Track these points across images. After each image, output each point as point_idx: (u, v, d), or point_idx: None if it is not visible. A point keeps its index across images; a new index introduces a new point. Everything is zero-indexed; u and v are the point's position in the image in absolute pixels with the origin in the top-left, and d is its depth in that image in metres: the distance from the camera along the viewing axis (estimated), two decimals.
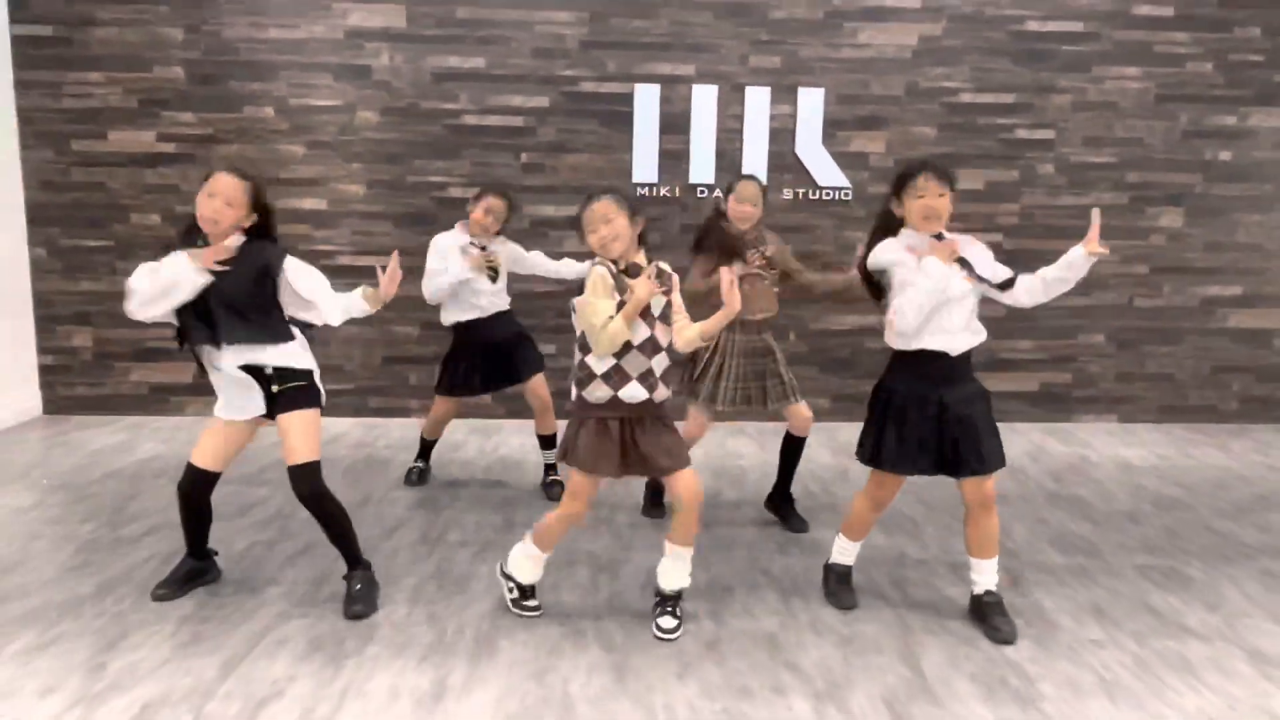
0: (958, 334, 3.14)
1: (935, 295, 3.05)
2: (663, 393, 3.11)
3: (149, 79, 5.68)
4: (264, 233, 3.25)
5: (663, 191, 5.93)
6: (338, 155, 5.81)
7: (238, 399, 3.28)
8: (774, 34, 5.84)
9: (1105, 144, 6.07)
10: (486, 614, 3.32)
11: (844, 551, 3.50)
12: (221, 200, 3.12)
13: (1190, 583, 3.74)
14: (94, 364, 5.94)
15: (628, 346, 3.04)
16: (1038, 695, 2.85)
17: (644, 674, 2.93)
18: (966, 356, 3.19)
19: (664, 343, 3.11)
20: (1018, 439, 5.84)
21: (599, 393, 3.05)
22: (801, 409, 4.12)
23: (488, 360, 4.46)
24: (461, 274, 4.31)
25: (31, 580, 3.53)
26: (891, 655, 3.09)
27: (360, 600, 3.30)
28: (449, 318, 4.48)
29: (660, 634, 3.15)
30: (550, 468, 4.66)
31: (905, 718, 2.71)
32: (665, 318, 3.11)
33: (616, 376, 3.04)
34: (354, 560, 3.38)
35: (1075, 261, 3.05)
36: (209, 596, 3.41)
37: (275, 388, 3.27)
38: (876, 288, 3.29)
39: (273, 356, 3.24)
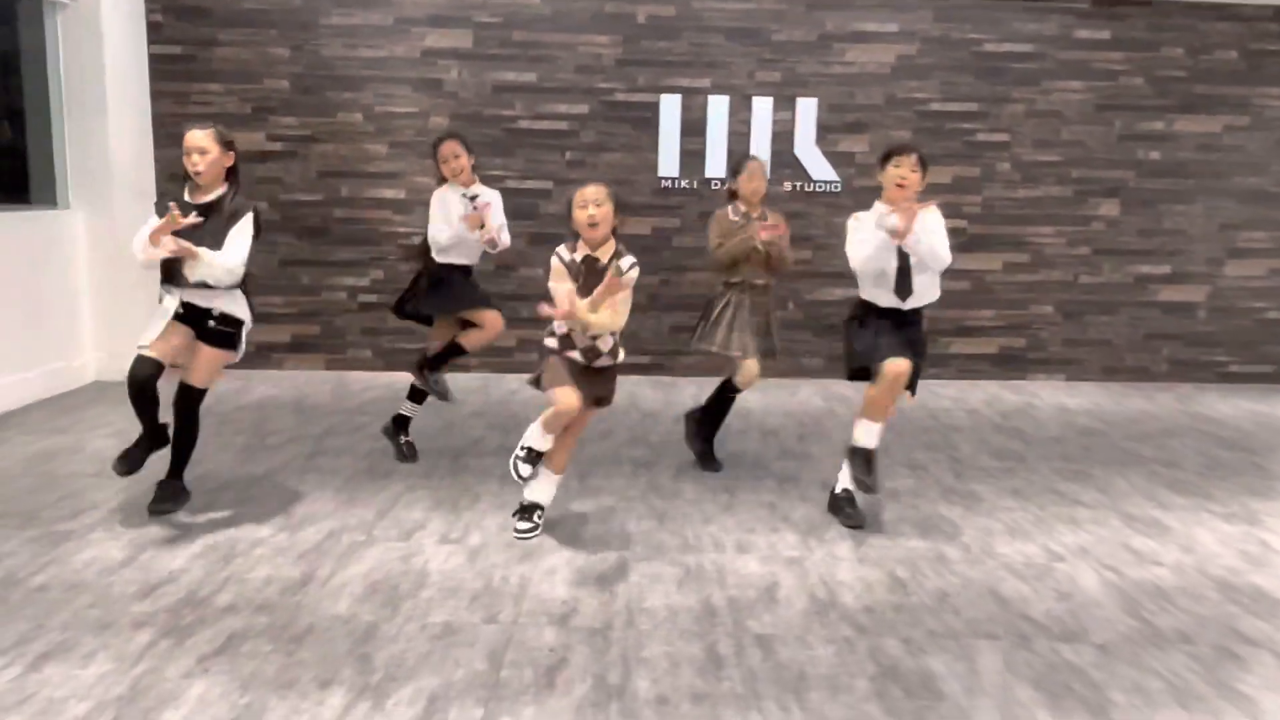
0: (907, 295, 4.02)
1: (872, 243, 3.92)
2: (604, 362, 3.71)
3: (260, 89, 6.84)
4: (233, 174, 3.87)
5: (683, 184, 7.07)
6: (414, 153, 6.97)
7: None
8: (776, 53, 6.99)
9: (1053, 145, 7.18)
10: (559, 488, 4.48)
11: (868, 433, 4.03)
12: (196, 154, 3.70)
13: (1091, 477, 4.89)
14: None
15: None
16: (960, 533, 4.01)
17: (678, 520, 4.09)
18: (915, 312, 4.08)
19: None
20: (977, 391, 6.99)
21: (552, 344, 3.71)
22: (752, 365, 4.62)
23: (443, 290, 4.76)
24: (462, 232, 4.64)
25: (217, 468, 4.70)
26: None
27: (169, 500, 3.98)
28: (445, 258, 4.75)
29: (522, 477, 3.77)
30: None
31: (864, 544, 3.87)
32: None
33: (565, 342, 3.67)
34: (178, 472, 4.03)
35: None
36: (351, 477, 4.57)
37: (211, 323, 3.88)
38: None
39: (223, 303, 3.87)
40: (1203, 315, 7.44)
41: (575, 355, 3.68)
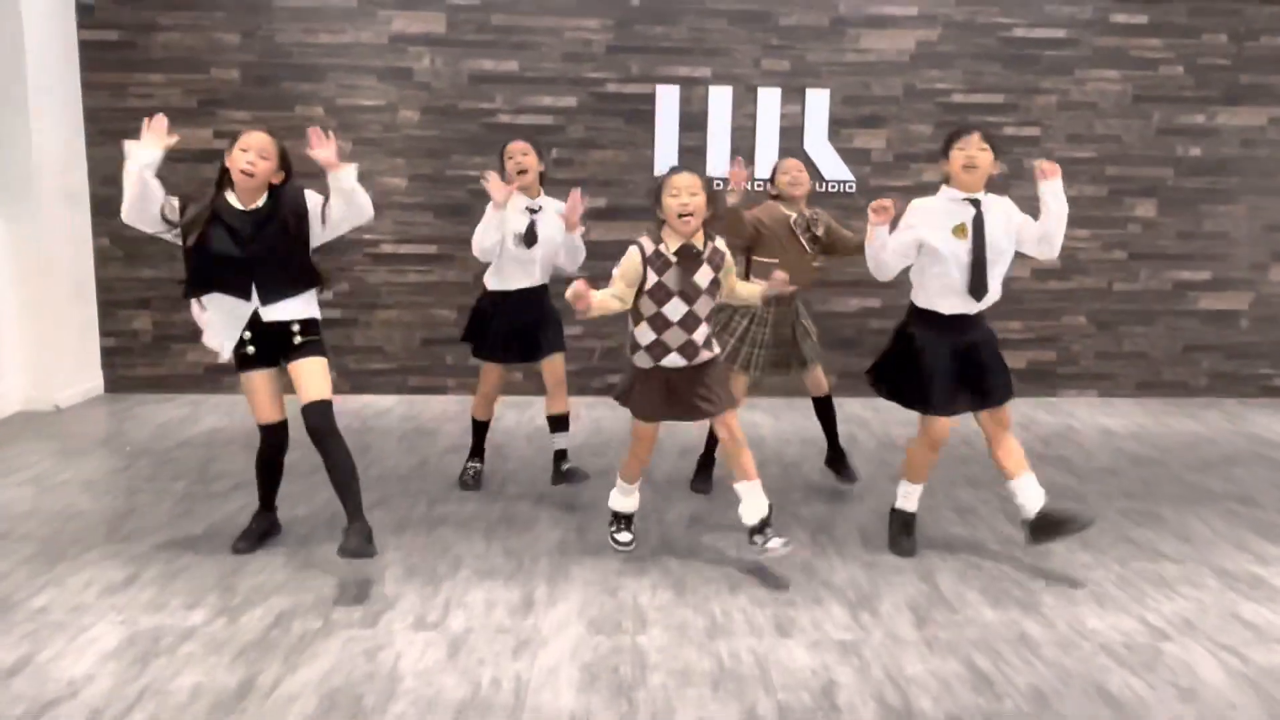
0: (966, 295, 3.54)
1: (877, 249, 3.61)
2: (704, 356, 3.49)
3: (207, 80, 6.08)
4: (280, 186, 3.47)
5: None
6: (382, 151, 6.24)
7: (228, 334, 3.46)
8: (784, 39, 6.32)
9: (1086, 140, 6.57)
10: (555, 547, 3.79)
11: (908, 496, 3.82)
12: (255, 153, 3.34)
13: (1164, 521, 4.26)
14: (153, 345, 6.34)
15: (666, 322, 3.39)
16: (1039, 603, 3.36)
17: (700, 590, 3.41)
18: (980, 318, 3.63)
19: (705, 314, 3.44)
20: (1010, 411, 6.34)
21: (643, 361, 3.50)
22: (816, 373, 4.48)
23: (510, 334, 4.27)
24: (490, 217, 4.04)
25: (146, 524, 3.97)
26: (910, 575, 3.58)
27: (355, 540, 3.25)
28: (489, 281, 4.31)
29: (774, 552, 3.41)
30: (562, 454, 4.45)
31: (928, 620, 3.20)
32: (712, 292, 3.44)
33: (658, 349, 3.43)
34: (358, 511, 3.35)
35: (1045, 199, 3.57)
36: (307, 536, 3.86)
37: (298, 340, 3.47)
38: None
39: (300, 309, 3.48)
40: (1245, 325, 6.84)
41: (672, 361, 3.45)
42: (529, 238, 4.16)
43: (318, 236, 3.50)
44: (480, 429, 4.58)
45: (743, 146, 6.38)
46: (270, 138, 3.42)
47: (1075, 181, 6.58)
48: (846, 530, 4.04)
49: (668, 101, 6.31)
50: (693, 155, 6.35)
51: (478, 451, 4.61)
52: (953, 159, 3.53)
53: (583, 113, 6.30)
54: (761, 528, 3.48)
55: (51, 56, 5.75)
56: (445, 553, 3.71)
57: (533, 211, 4.19)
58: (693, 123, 6.34)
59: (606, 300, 3.37)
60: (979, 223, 3.51)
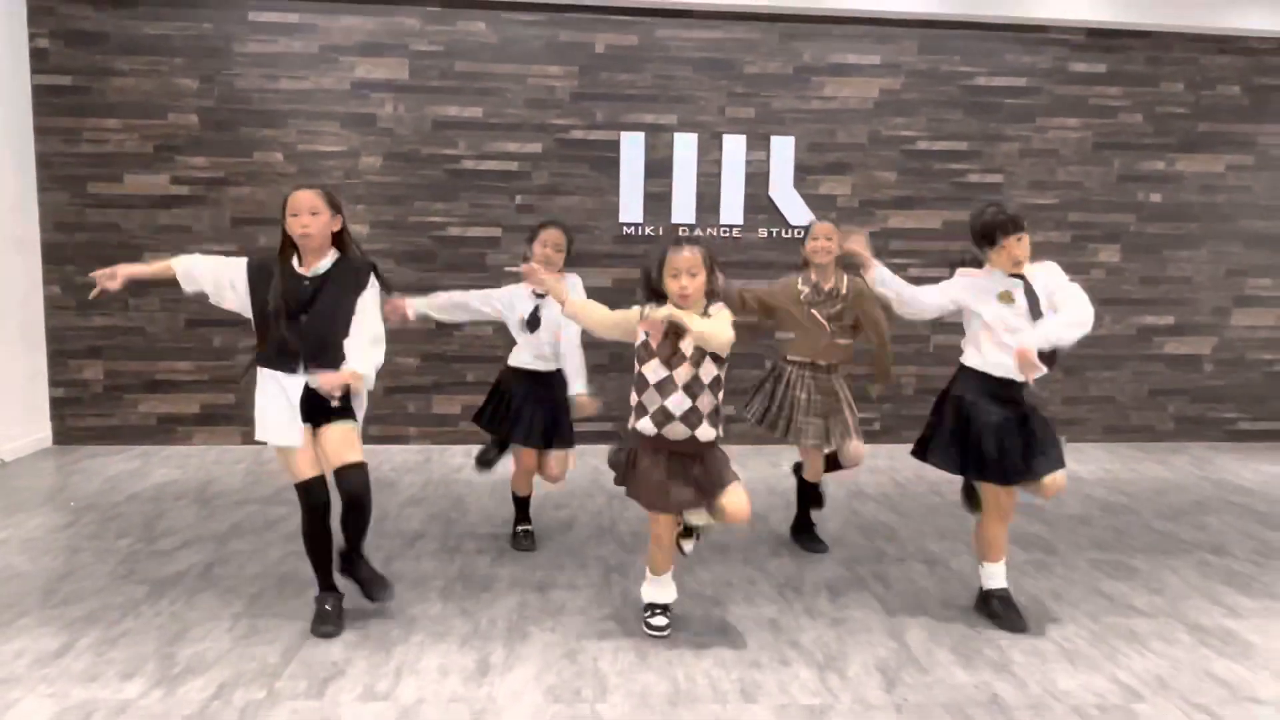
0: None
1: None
2: (678, 430, 3.22)
3: (164, 125, 5.98)
4: (343, 238, 3.45)
5: (647, 230, 6.35)
6: (343, 197, 6.11)
7: (287, 419, 3.34)
8: (749, 87, 6.34)
9: (1049, 187, 6.62)
10: (514, 608, 3.66)
11: (993, 575, 3.64)
12: (306, 213, 3.30)
13: (1136, 572, 4.20)
14: (104, 396, 6.16)
15: (644, 383, 3.26)
16: (1009, 661, 3.27)
17: (663, 652, 3.29)
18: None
19: (683, 381, 3.21)
20: None
21: (631, 424, 3.33)
22: (858, 445, 4.21)
23: (531, 416, 4.16)
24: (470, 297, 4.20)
25: (85, 587, 3.79)
26: (879, 633, 3.48)
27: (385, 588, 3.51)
28: (511, 359, 4.27)
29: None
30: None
31: (897, 682, 3.10)
32: (697, 361, 3.22)
33: (638, 410, 3.30)
34: (357, 557, 3.49)
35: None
36: (256, 597, 3.70)
37: (335, 403, 3.38)
38: None
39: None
40: (1209, 369, 6.88)
41: (644, 426, 3.27)
42: (532, 323, 4.14)
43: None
44: (521, 503, 4.48)
45: (708, 193, 6.36)
46: (312, 191, 3.37)
47: (1039, 228, 6.60)
48: (814, 585, 3.95)
49: (632, 148, 6.28)
50: (658, 202, 6.32)
51: (523, 518, 4.48)
52: (995, 259, 3.49)
53: (547, 159, 6.25)
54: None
55: (2, 100, 5.63)
56: (399, 614, 3.57)
57: (539, 296, 4.12)
58: (658, 169, 6.31)
59: (578, 307, 3.47)
60: (1031, 293, 3.46)
